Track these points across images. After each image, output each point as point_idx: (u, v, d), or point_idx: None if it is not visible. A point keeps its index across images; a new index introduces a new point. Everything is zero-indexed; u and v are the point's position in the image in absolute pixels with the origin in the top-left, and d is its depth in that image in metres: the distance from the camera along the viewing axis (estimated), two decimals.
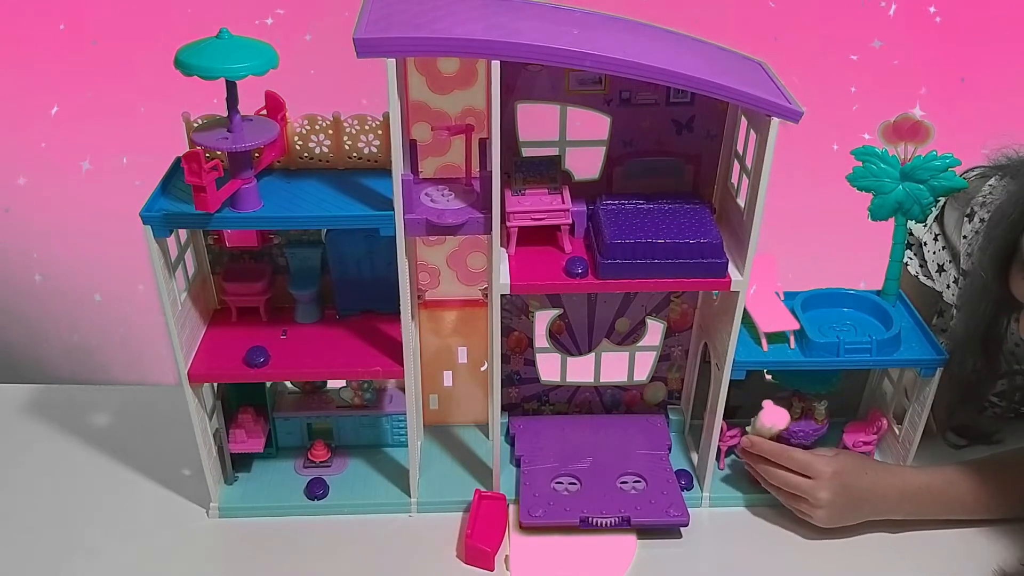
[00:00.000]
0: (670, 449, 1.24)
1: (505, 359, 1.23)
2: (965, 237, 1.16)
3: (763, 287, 1.14)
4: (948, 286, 1.23)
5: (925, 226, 1.24)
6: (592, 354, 1.24)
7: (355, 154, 1.05)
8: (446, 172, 1.10)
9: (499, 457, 1.15)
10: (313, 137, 1.04)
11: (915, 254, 1.28)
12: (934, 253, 1.24)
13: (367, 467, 1.22)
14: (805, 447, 1.20)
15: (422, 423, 1.27)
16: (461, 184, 1.04)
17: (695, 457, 1.24)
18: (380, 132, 1.03)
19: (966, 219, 1.15)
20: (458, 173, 1.06)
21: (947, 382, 1.13)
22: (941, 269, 1.23)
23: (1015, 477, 1.11)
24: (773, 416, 1.14)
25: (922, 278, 1.27)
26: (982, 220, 1.11)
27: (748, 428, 1.16)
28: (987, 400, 1.23)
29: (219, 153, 0.95)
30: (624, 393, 1.29)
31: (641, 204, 1.06)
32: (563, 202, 1.04)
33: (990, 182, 1.11)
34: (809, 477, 1.09)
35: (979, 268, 1.05)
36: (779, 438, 1.18)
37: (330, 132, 1.03)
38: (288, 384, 1.24)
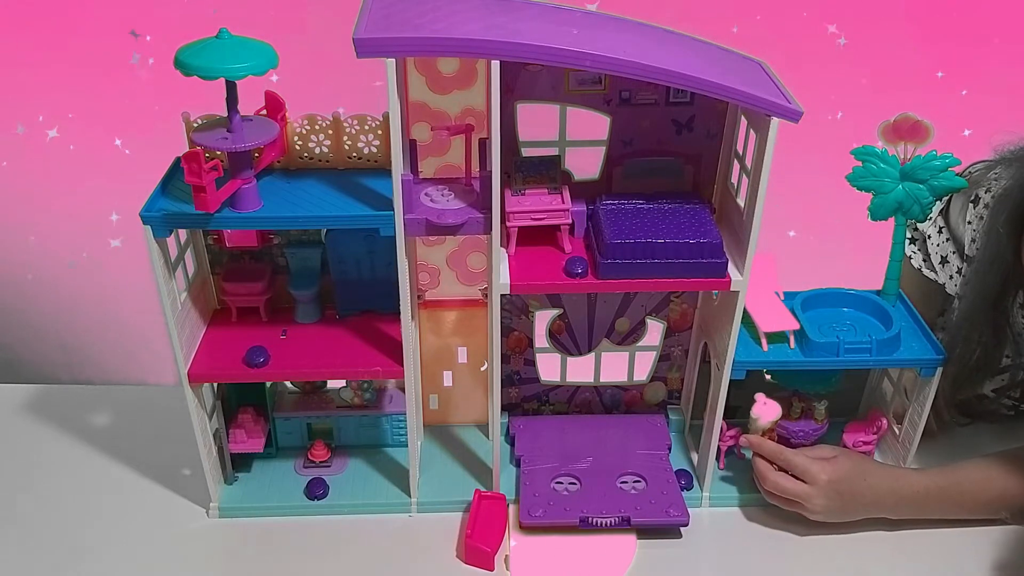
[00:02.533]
0: (670, 449, 1.24)
1: (505, 359, 1.23)
2: (970, 223, 1.17)
3: (762, 287, 1.14)
4: (951, 277, 1.24)
5: (930, 219, 1.25)
6: (592, 354, 1.24)
7: (355, 154, 1.05)
8: (446, 172, 1.10)
9: (499, 457, 1.15)
10: (313, 137, 1.04)
11: (919, 248, 1.28)
12: (938, 245, 1.25)
13: (367, 467, 1.22)
14: (806, 447, 1.20)
15: (422, 423, 1.27)
16: (461, 184, 1.04)
17: (695, 457, 1.24)
18: (380, 132, 1.03)
19: (971, 204, 1.16)
20: (458, 173, 1.06)
21: (953, 359, 1.13)
22: (944, 261, 1.24)
23: (1013, 478, 1.11)
24: (761, 409, 1.15)
25: (925, 271, 1.28)
26: (986, 205, 1.13)
27: (749, 423, 1.17)
28: (987, 392, 1.24)
29: (219, 153, 0.95)
30: (624, 393, 1.29)
31: (641, 204, 1.06)
32: (563, 202, 1.04)
33: (996, 170, 1.13)
34: (805, 482, 1.09)
35: (994, 229, 1.06)
36: (780, 439, 1.18)
37: (330, 132, 1.03)
38: (288, 384, 1.24)
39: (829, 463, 1.10)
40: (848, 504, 1.10)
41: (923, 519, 1.13)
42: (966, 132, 1.67)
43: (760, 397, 1.16)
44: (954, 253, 1.23)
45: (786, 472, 1.11)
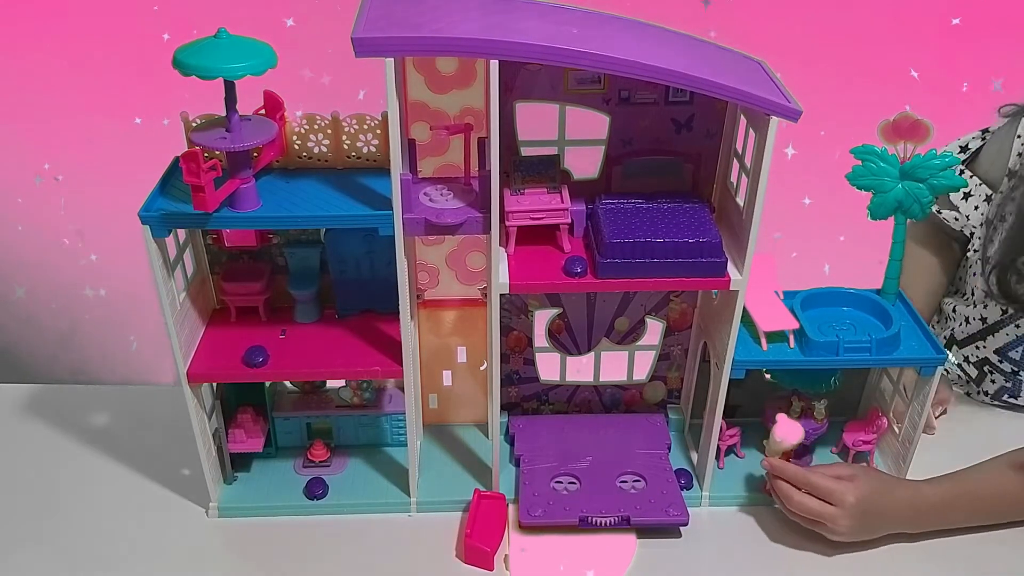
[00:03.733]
0: (670, 448, 1.24)
1: (504, 358, 1.23)
2: (1019, 136, 1.24)
3: (762, 286, 1.14)
4: (976, 208, 1.29)
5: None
6: (591, 353, 1.24)
7: (354, 154, 1.05)
8: (445, 172, 1.09)
9: (499, 457, 1.15)
10: (312, 137, 1.04)
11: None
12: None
13: (367, 467, 1.22)
14: (805, 447, 1.20)
15: (421, 423, 1.27)
16: (460, 183, 1.04)
17: (695, 456, 1.24)
18: (379, 132, 1.03)
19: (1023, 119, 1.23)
20: (457, 172, 1.06)
21: (1004, 241, 1.19)
22: (967, 195, 1.30)
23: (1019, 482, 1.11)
24: (785, 430, 1.12)
25: (944, 211, 1.32)
26: None
27: (765, 442, 1.14)
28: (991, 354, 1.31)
29: (218, 153, 0.95)
30: (624, 392, 1.29)
31: (640, 203, 1.06)
32: (562, 201, 1.04)
33: None
34: (830, 503, 1.07)
35: None
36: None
37: (329, 132, 1.03)
38: (287, 384, 1.24)
39: (852, 483, 1.07)
40: (872, 523, 1.09)
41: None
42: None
43: (781, 418, 1.14)
44: (980, 185, 1.29)
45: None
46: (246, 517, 1.16)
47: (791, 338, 1.11)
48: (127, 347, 2.26)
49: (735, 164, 1.06)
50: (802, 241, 2.12)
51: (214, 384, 1.13)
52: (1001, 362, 1.32)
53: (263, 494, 1.18)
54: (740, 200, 1.03)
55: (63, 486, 1.21)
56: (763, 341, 1.11)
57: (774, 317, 1.11)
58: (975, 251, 1.33)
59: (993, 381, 1.35)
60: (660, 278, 1.02)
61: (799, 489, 1.09)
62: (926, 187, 1.09)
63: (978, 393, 1.38)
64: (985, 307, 1.32)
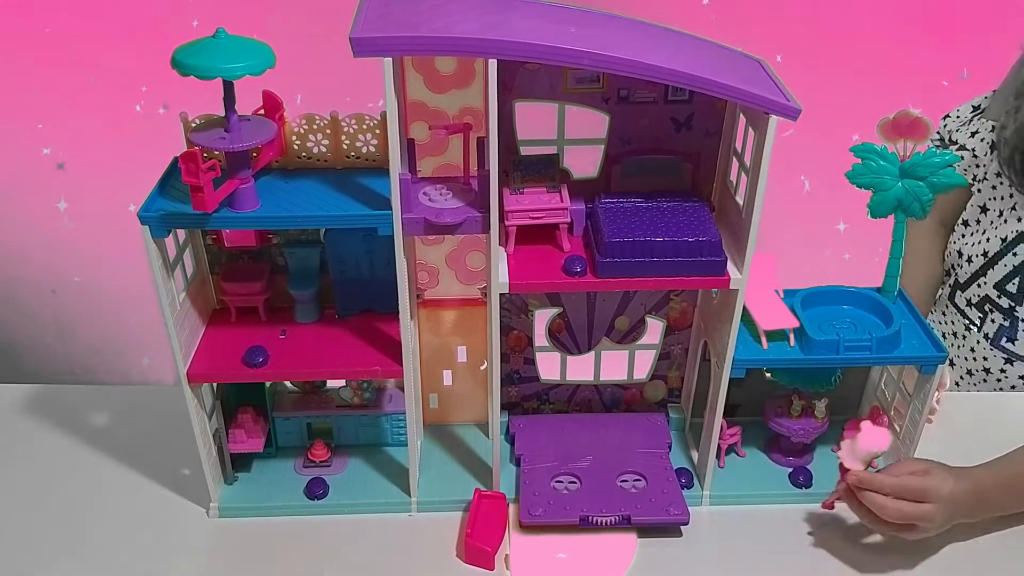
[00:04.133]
0: (670, 447, 1.24)
1: (505, 358, 1.23)
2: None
3: (762, 285, 1.13)
4: (983, 139, 1.39)
5: (962, 122, 1.43)
6: (592, 353, 1.24)
7: (353, 153, 1.05)
8: (444, 171, 1.09)
9: (499, 456, 1.15)
10: (311, 137, 1.03)
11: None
12: (967, 129, 1.39)
13: (367, 467, 1.22)
14: (806, 445, 1.20)
15: (422, 422, 1.27)
16: (459, 183, 1.04)
17: (695, 455, 1.24)
18: (378, 131, 1.03)
19: None
20: (456, 172, 1.06)
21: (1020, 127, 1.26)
22: (974, 134, 1.38)
23: None
24: (873, 439, 1.08)
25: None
26: None
27: (837, 452, 1.09)
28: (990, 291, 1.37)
29: (217, 153, 0.95)
30: (624, 392, 1.29)
31: (640, 202, 1.06)
32: (562, 201, 1.04)
33: None
34: (924, 502, 1.04)
35: None
36: (779, 437, 1.18)
37: (328, 132, 1.03)
38: (288, 384, 1.24)
39: (933, 476, 1.05)
40: (954, 513, 1.06)
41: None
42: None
43: (866, 426, 1.08)
44: (986, 123, 1.39)
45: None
46: (246, 517, 1.16)
47: (791, 337, 1.11)
48: (127, 347, 2.26)
49: (734, 163, 1.06)
50: (803, 239, 2.12)
51: (214, 384, 1.13)
52: (1000, 297, 1.35)
53: (263, 494, 1.18)
54: (740, 199, 1.03)
55: (63, 486, 1.21)
56: (763, 340, 1.11)
57: (774, 316, 1.11)
58: (982, 180, 1.39)
59: (993, 321, 1.37)
60: (660, 277, 1.02)
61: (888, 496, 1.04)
62: (926, 185, 1.08)
63: (978, 343, 1.39)
64: (988, 240, 1.35)
